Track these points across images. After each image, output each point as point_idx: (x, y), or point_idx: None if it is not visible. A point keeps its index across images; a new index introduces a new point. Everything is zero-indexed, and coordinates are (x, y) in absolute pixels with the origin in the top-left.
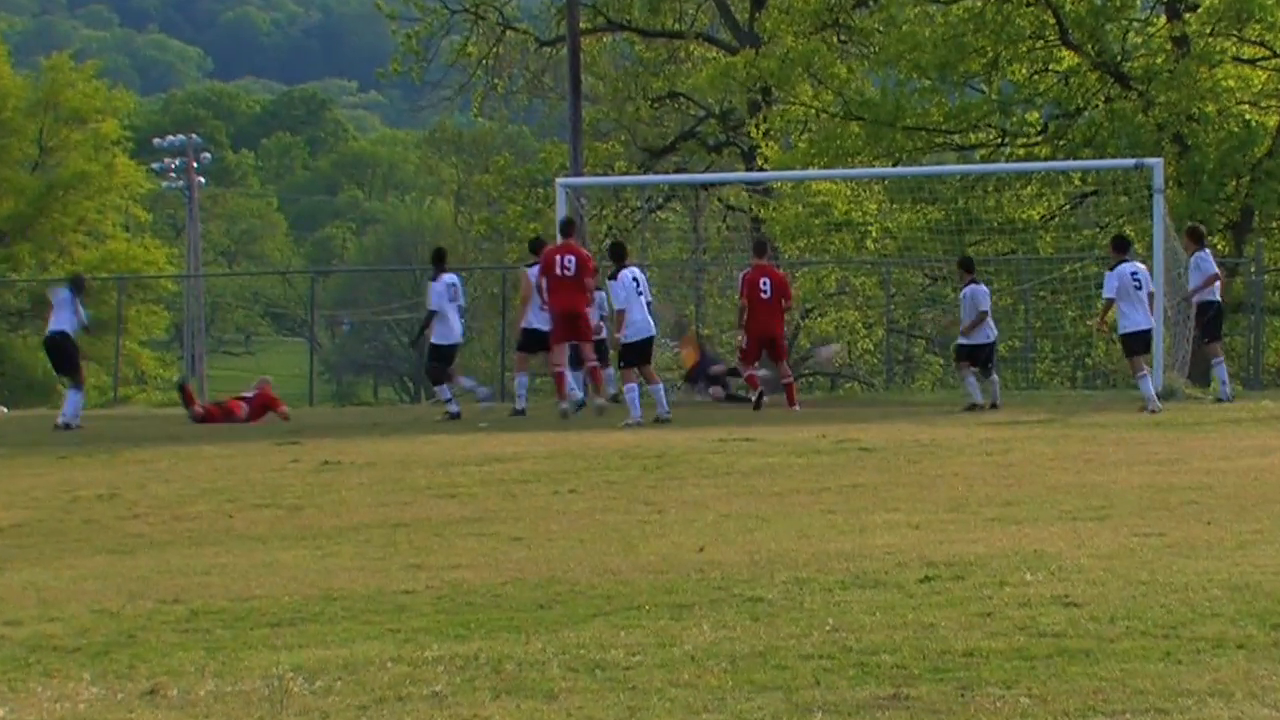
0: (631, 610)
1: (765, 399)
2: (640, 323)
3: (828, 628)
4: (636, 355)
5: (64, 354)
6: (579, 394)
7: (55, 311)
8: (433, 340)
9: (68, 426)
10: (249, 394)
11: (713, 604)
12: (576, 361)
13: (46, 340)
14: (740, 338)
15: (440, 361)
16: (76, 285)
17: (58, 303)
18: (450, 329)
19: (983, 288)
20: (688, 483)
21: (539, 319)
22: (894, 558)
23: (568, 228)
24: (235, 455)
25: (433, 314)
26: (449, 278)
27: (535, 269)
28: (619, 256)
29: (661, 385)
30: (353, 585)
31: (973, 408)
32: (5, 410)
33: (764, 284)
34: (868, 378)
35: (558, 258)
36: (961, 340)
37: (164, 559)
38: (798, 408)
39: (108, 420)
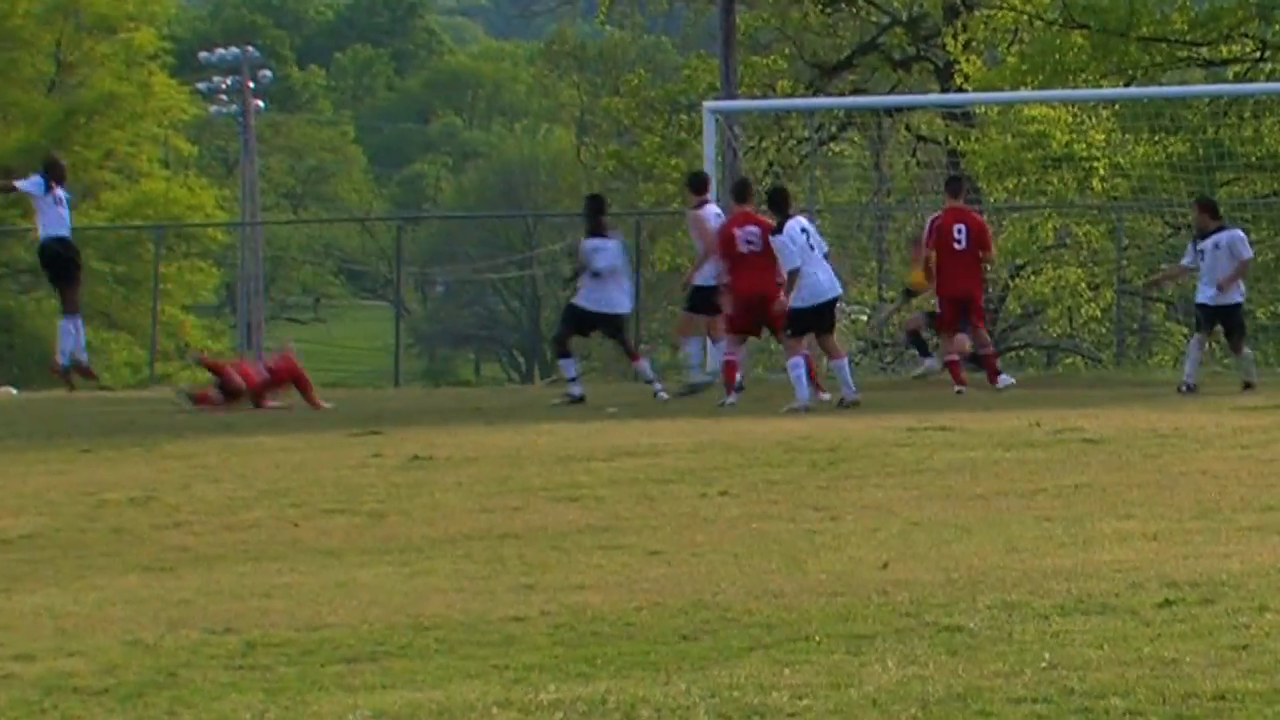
0: (798, 642)
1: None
2: (822, 282)
3: (1043, 664)
4: (812, 321)
5: (65, 265)
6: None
7: (42, 211)
8: (579, 303)
9: (82, 369)
10: (270, 361)
11: (899, 634)
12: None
13: (42, 251)
14: (930, 300)
15: (580, 330)
16: (51, 169)
17: (38, 197)
18: (611, 296)
19: (1239, 232)
20: (868, 483)
21: (715, 274)
22: (1126, 577)
23: (744, 191)
24: (302, 448)
25: (597, 274)
26: (617, 235)
27: (707, 210)
28: (782, 204)
29: (846, 360)
30: (449, 611)
31: (1187, 389)
32: (14, 391)
33: (958, 231)
34: (1093, 351)
35: (738, 232)
36: (1209, 299)
37: (212, 578)
38: (1001, 383)
39: (143, 404)
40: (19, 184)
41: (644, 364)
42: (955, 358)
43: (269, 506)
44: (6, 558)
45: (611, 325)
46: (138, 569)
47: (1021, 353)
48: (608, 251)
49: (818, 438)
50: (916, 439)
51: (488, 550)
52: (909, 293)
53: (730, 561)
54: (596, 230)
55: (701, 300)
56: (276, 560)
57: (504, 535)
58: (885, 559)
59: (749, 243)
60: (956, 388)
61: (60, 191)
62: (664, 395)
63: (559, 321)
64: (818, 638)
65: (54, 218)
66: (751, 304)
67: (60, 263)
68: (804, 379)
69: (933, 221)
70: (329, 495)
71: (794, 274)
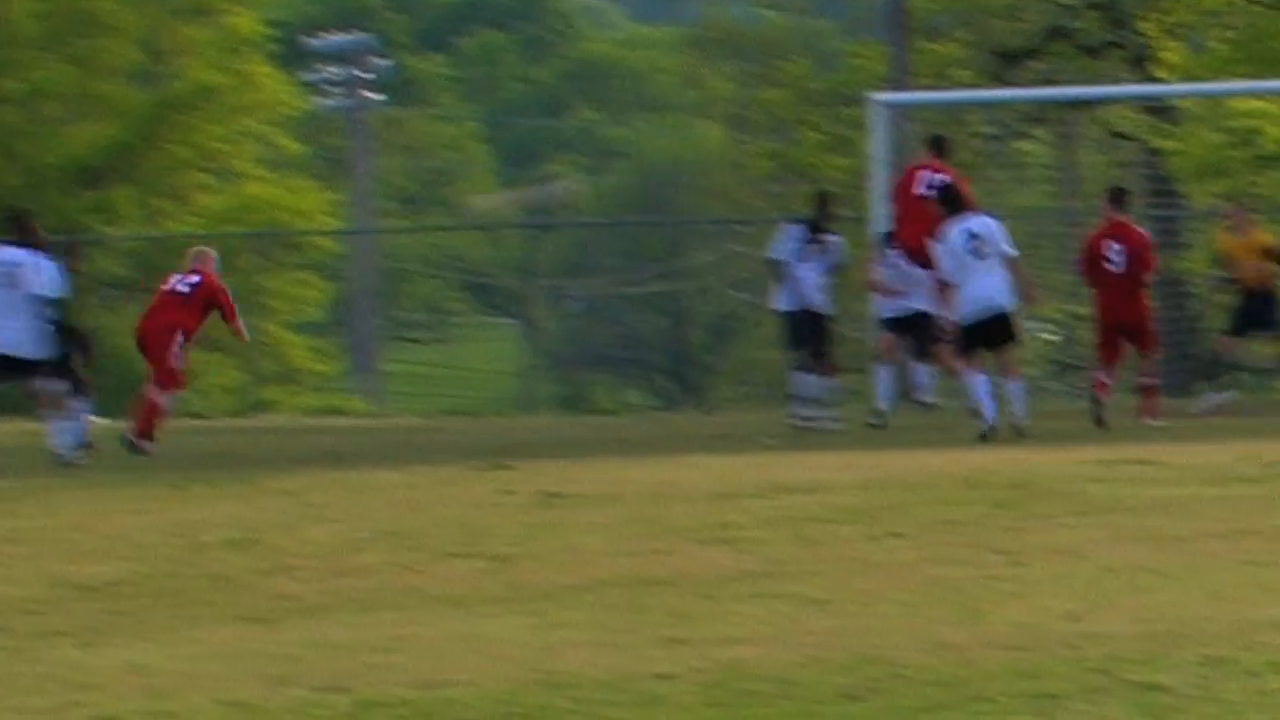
0: (978, 702)
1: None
2: (979, 297)
3: None
4: (982, 338)
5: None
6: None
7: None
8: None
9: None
10: (185, 288)
11: (1091, 693)
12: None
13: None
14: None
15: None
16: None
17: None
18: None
19: None
20: (1057, 523)
21: (920, 297)
22: None
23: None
24: (421, 484)
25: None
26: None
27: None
28: (949, 206)
29: (1021, 382)
30: (586, 668)
31: None
32: (99, 419)
33: (1112, 250)
34: None
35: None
36: None
37: (321, 630)
38: (1154, 422)
39: (242, 435)
40: None
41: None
42: (1103, 377)
43: (384, 550)
44: (90, 607)
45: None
46: (237, 620)
47: (1231, 376)
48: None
49: (1001, 472)
50: (1112, 474)
51: (629, 599)
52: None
53: (901, 611)
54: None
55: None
56: (392, 610)
57: (648, 582)
58: (1075, 609)
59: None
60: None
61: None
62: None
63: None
64: (1000, 697)
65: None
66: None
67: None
68: (986, 397)
69: (1088, 237)
70: (451, 537)
71: (947, 287)
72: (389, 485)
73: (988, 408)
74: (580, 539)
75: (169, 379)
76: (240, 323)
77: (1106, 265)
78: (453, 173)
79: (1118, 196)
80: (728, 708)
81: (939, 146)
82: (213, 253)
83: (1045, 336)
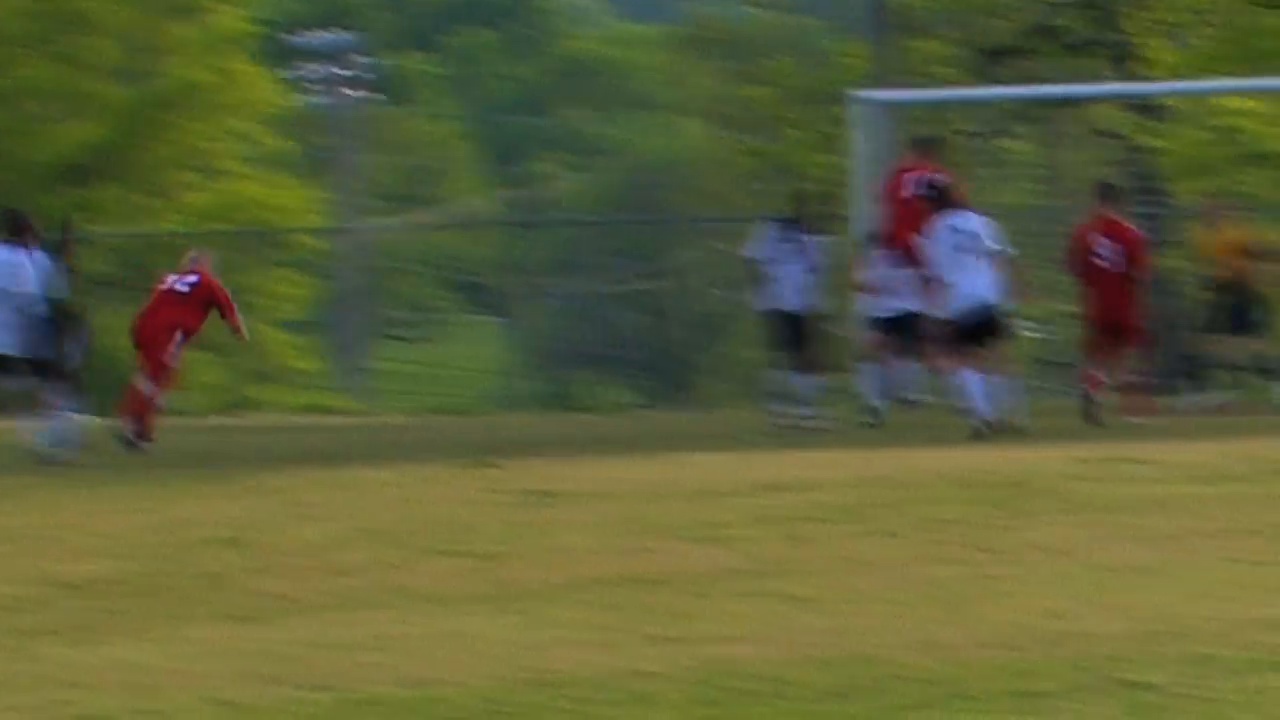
0: (967, 699)
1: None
2: (969, 293)
3: None
4: (972, 333)
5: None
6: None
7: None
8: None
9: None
10: (184, 286)
11: (1083, 692)
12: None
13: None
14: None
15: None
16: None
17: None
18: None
19: None
20: (1049, 522)
21: (909, 297)
22: None
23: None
24: (408, 482)
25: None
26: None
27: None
28: (937, 201)
29: (1013, 379)
30: (574, 666)
31: None
32: (90, 418)
33: (1101, 246)
34: None
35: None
36: None
37: (310, 629)
38: (1136, 420)
39: (231, 433)
40: None
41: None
42: (1095, 372)
43: (372, 548)
44: (79, 605)
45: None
46: (225, 618)
47: (1218, 375)
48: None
49: (992, 471)
50: (1104, 473)
51: (619, 597)
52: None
53: (893, 610)
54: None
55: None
56: (381, 609)
57: (637, 580)
58: (1066, 608)
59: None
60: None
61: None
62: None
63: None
64: (989, 696)
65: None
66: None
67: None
68: (979, 394)
69: (1075, 231)
70: (438, 535)
71: (934, 282)
72: (376, 484)
73: (980, 405)
74: (568, 537)
75: (161, 374)
76: (239, 320)
77: (1097, 261)
78: (439, 170)
79: (1107, 191)
80: (718, 706)
81: (928, 148)
82: (210, 253)
83: (1029, 334)
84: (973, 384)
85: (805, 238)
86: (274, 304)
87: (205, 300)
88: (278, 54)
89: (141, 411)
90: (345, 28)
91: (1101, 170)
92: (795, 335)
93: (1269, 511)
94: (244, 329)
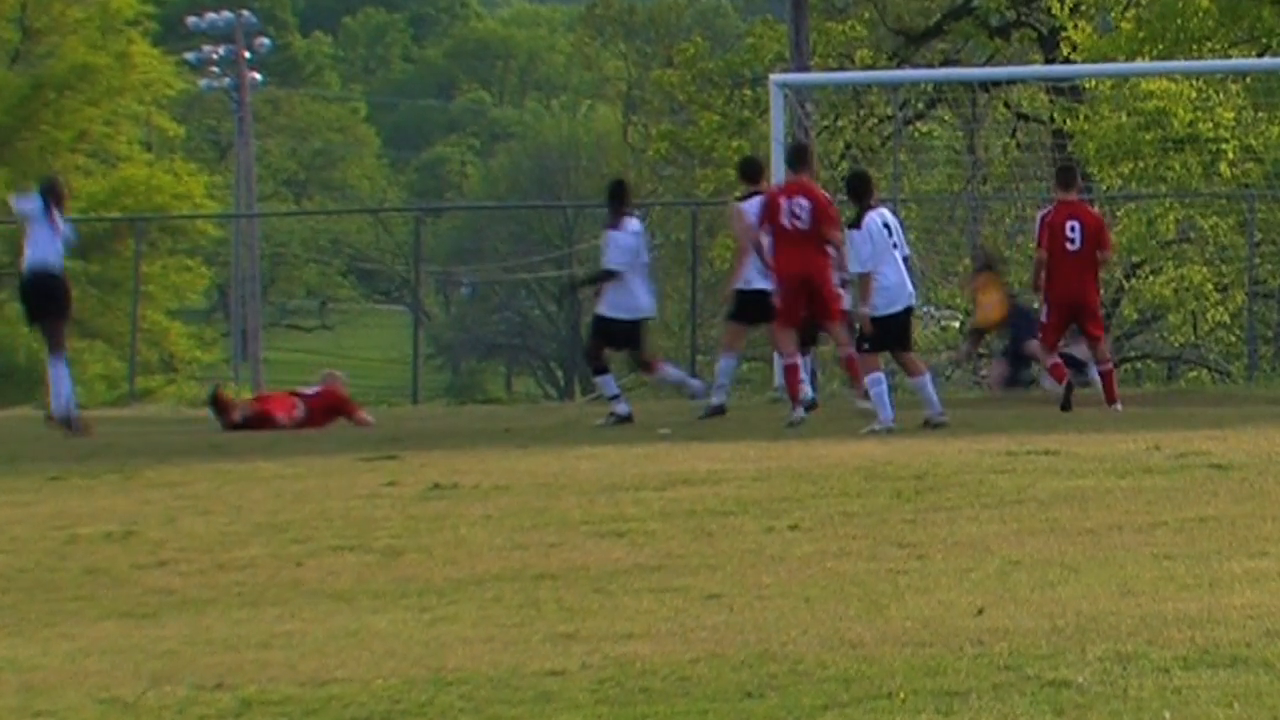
0: (879, 700)
1: (1076, 392)
2: (895, 287)
3: None
4: (891, 334)
5: (52, 299)
6: (810, 392)
7: (32, 235)
8: (602, 311)
9: (68, 422)
10: (309, 391)
11: (996, 690)
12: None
13: (27, 280)
14: (1039, 306)
15: (610, 341)
16: (51, 191)
17: (33, 220)
18: (634, 298)
19: None
20: (961, 515)
21: (761, 278)
22: (1259, 624)
23: (799, 157)
24: (306, 476)
25: (610, 273)
26: (635, 225)
27: (753, 204)
28: (862, 193)
29: (928, 376)
30: (475, 663)
31: None
32: None
33: (1071, 228)
34: (1221, 363)
35: (784, 202)
36: None
37: (202, 625)
38: (1119, 405)
39: (121, 424)
40: (14, 201)
41: (665, 368)
42: (1058, 361)
43: (267, 543)
44: None
45: (635, 332)
46: (115, 615)
47: (1139, 364)
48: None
49: (902, 463)
50: (1017, 464)
51: (520, 593)
52: (977, 333)
53: (801, 606)
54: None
55: (746, 307)
56: (276, 605)
57: (539, 576)
58: (980, 604)
59: (795, 216)
60: (1047, 383)
61: (58, 217)
62: (622, 409)
63: (590, 334)
64: (902, 694)
65: (46, 245)
66: (795, 287)
67: (51, 297)
68: (885, 396)
69: (1043, 218)
70: (336, 530)
71: (865, 278)
72: (272, 476)
73: (886, 408)
74: (469, 531)
75: None
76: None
77: (1067, 244)
78: (337, 155)
79: (1067, 176)
80: (621, 705)
81: (798, 159)
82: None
83: (947, 323)
84: (880, 385)
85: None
86: (167, 293)
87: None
88: (172, 35)
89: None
90: (241, 8)
91: (1020, 155)
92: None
93: (1186, 505)
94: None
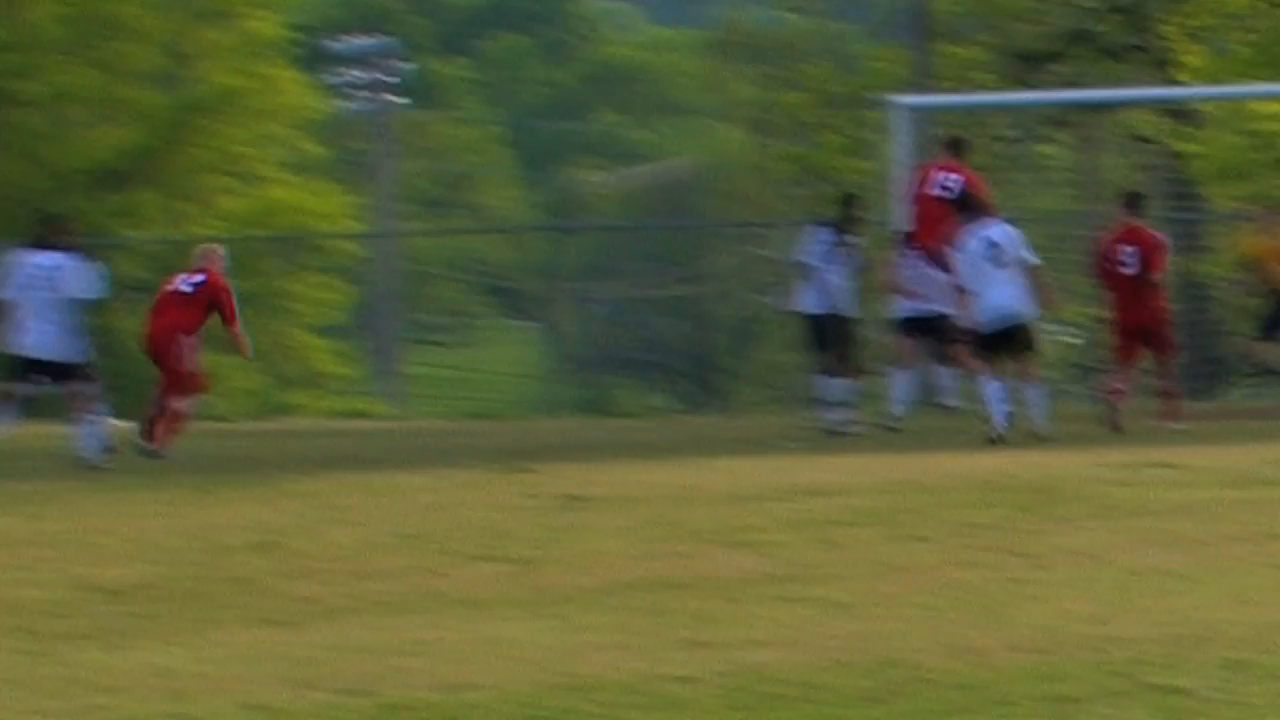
0: (1001, 705)
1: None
2: (995, 303)
3: None
4: (992, 342)
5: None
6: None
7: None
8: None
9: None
10: (187, 283)
11: (1114, 697)
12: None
13: None
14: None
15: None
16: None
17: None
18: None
19: None
20: (1079, 526)
21: (938, 298)
22: None
23: (1134, 202)
24: (444, 487)
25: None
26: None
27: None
28: (970, 208)
29: (1040, 388)
30: (608, 671)
31: None
32: (116, 421)
33: (1124, 253)
34: None
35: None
36: None
37: (344, 633)
38: (1177, 425)
39: (265, 438)
40: None
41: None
42: (1121, 387)
43: (407, 553)
44: (113, 610)
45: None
46: (260, 623)
47: (1250, 382)
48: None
49: (1023, 476)
50: (1134, 477)
51: (652, 602)
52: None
53: (924, 615)
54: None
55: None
56: (416, 613)
57: (670, 585)
58: (1098, 612)
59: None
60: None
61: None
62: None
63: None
64: (1021, 700)
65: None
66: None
67: None
68: (1000, 402)
69: (1099, 241)
70: (474, 540)
71: (964, 293)
72: (411, 488)
73: (998, 415)
74: (602, 542)
75: (182, 384)
76: (240, 328)
77: (1120, 269)
78: (474, 176)
79: (1132, 201)
80: (750, 711)
81: (956, 147)
82: (220, 250)
83: (1066, 340)
84: (993, 393)
85: (849, 241)
86: (311, 309)
87: (208, 301)
88: (314, 59)
89: (167, 420)
90: (381, 33)
91: (1137, 175)
92: (838, 338)
93: None
94: (246, 343)
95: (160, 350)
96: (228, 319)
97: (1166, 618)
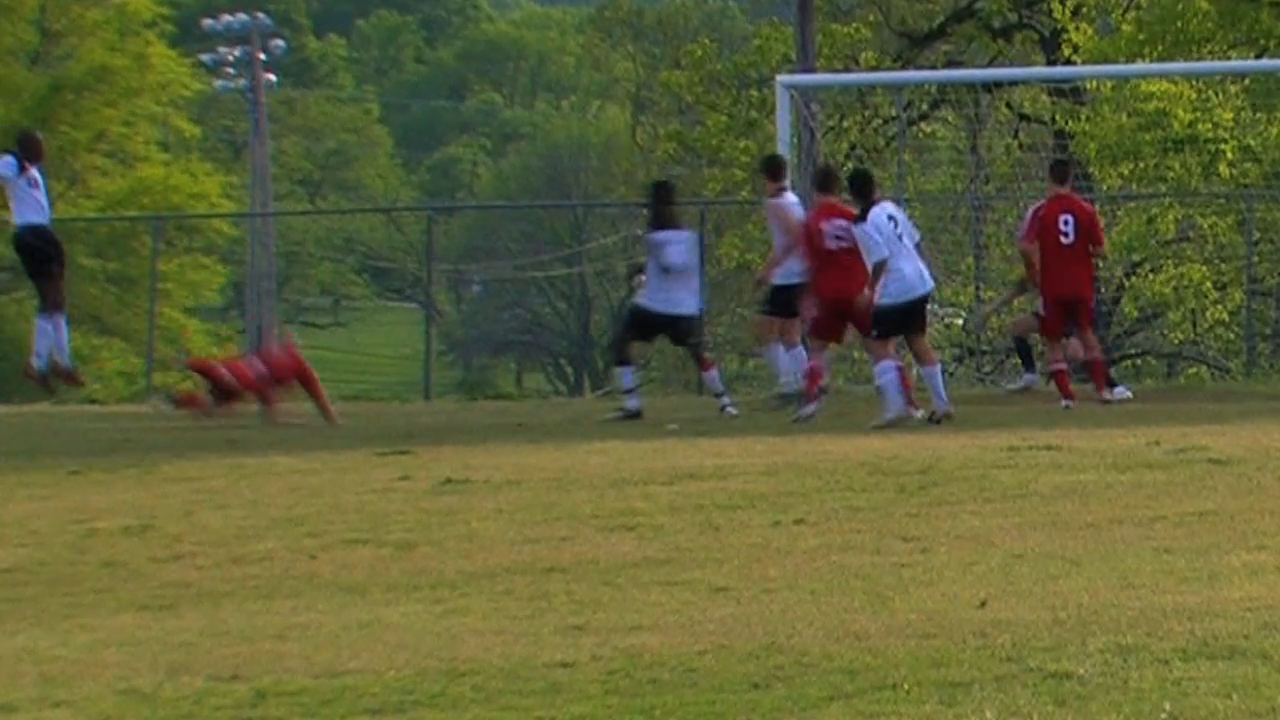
0: (884, 691)
1: (1075, 389)
2: (911, 276)
3: (1163, 715)
4: (901, 321)
5: (46, 257)
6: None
7: (16, 196)
8: (647, 304)
9: (63, 372)
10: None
11: (999, 682)
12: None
13: (17, 242)
14: (1035, 301)
15: (642, 334)
16: (26, 147)
17: (10, 180)
18: (679, 296)
19: None
20: (964, 509)
21: (798, 271)
22: (1257, 616)
23: (828, 180)
24: (320, 470)
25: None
26: (688, 232)
27: (789, 198)
28: (865, 190)
29: (939, 367)
30: (487, 655)
31: None
32: None
33: (1065, 222)
34: (1220, 360)
35: (824, 226)
36: None
37: (218, 618)
38: (1109, 394)
39: (139, 420)
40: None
41: (714, 374)
42: (1062, 367)
43: (282, 536)
44: None
45: (680, 329)
46: (133, 607)
47: (1138, 361)
48: (680, 245)
49: (907, 458)
50: (1019, 460)
51: (531, 586)
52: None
53: (807, 599)
54: (665, 221)
55: (781, 301)
56: (291, 598)
57: (549, 569)
58: (983, 596)
59: (837, 238)
60: (1064, 402)
61: (35, 172)
62: (732, 410)
63: (620, 325)
64: (906, 686)
65: (30, 203)
66: (838, 307)
67: (38, 254)
68: (894, 387)
69: (1034, 211)
70: (350, 524)
71: (879, 266)
72: (287, 471)
73: (895, 399)
74: (481, 525)
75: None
76: None
77: (1060, 238)
78: (351, 155)
79: (1060, 170)
80: (630, 696)
81: (826, 181)
82: None
83: (952, 321)
84: (891, 374)
85: (679, 230)
86: (184, 290)
87: None
88: (189, 37)
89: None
90: (256, 10)
91: (1024, 155)
92: (688, 327)
93: (1185, 500)
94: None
95: None
96: None
97: (1053, 602)
